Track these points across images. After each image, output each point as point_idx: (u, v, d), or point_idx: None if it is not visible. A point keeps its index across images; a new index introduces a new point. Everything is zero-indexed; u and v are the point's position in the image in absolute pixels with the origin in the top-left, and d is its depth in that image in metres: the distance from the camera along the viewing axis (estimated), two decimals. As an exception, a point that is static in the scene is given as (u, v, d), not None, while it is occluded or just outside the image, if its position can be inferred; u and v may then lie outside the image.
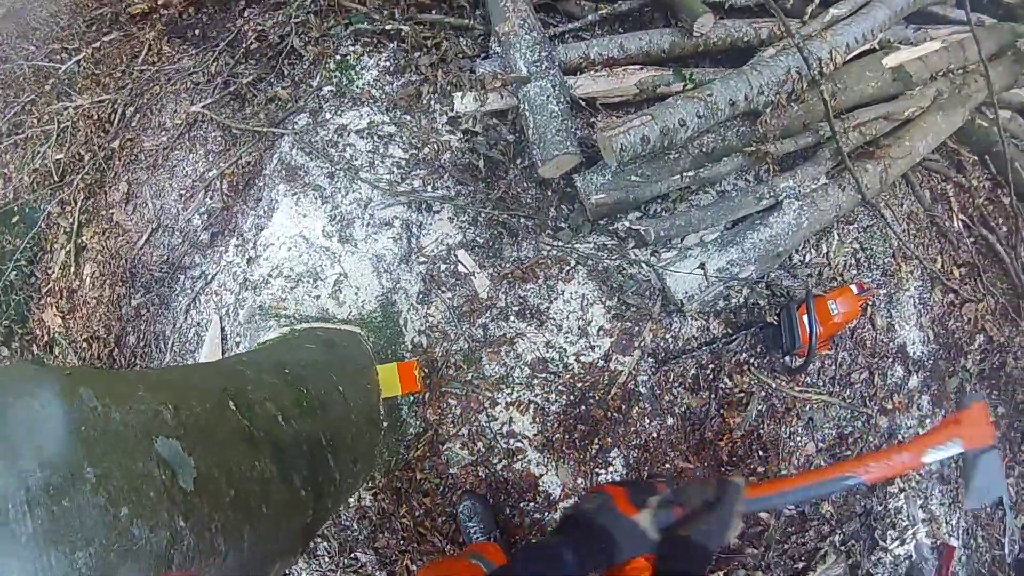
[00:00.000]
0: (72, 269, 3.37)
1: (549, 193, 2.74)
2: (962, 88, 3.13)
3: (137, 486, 1.03)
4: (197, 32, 3.54)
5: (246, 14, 3.44)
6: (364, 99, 2.90)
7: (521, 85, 2.63)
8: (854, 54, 2.90)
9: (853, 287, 2.64)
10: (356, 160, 2.79)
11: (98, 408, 1.06)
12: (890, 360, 2.93)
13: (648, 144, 2.41)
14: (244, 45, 3.28)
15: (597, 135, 2.44)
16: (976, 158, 3.36)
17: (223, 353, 2.79)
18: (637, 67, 2.85)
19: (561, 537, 1.36)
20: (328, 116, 2.90)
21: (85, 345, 3.24)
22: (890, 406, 2.90)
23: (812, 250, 2.86)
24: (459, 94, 2.75)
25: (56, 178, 3.56)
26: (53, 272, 3.45)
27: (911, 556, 2.89)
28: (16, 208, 3.63)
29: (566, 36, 3.00)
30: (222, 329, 2.81)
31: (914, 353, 2.95)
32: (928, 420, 2.95)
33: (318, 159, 2.81)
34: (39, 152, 3.69)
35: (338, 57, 3.00)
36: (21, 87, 3.99)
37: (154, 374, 1.54)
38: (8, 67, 4.11)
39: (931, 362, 3.00)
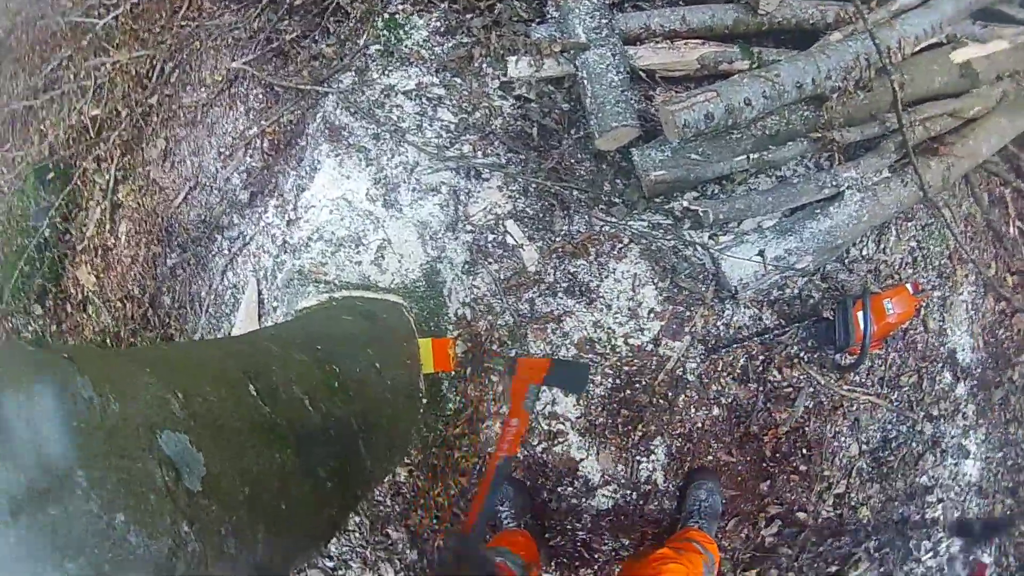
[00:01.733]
0: (107, 227, 3.25)
1: (604, 166, 2.59)
2: (1029, 92, 2.98)
3: (135, 490, 0.91)
4: (240, -13, 3.41)
5: (292, -32, 3.30)
6: (413, 59, 2.75)
7: (579, 52, 2.49)
8: (921, 46, 2.75)
9: (909, 287, 2.51)
10: (403, 122, 2.65)
11: (94, 400, 0.93)
12: (939, 365, 2.79)
13: (712, 122, 2.27)
14: (288, 1, 3.14)
15: (659, 109, 2.30)
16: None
17: (259, 318, 2.67)
18: (699, 41, 2.69)
19: None
20: (375, 76, 2.76)
21: (119, 305, 3.13)
22: (936, 412, 2.78)
23: (870, 245, 2.72)
24: (513, 58, 2.60)
25: (92, 134, 3.45)
26: (88, 230, 3.34)
27: (943, 569, 2.79)
28: (51, 164, 3.52)
29: (625, 5, 2.85)
30: (259, 293, 2.68)
31: (963, 360, 2.82)
32: (972, 431, 2.82)
33: (363, 120, 2.67)
34: (75, 108, 3.57)
35: (386, 15, 2.85)
36: (58, 43, 3.87)
37: (167, 352, 1.41)
38: (44, 23, 4.00)
39: (979, 371, 2.87)
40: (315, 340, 1.79)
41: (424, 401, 2.38)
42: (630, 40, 2.67)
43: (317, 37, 2.99)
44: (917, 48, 2.73)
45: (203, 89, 3.19)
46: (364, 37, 2.84)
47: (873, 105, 2.62)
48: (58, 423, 0.86)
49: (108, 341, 3.11)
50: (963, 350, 2.83)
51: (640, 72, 2.65)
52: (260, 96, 3.02)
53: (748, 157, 2.46)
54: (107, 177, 3.32)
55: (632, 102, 2.42)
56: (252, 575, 1.15)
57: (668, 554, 2.05)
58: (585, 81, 2.46)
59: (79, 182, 3.44)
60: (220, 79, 3.14)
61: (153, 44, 3.45)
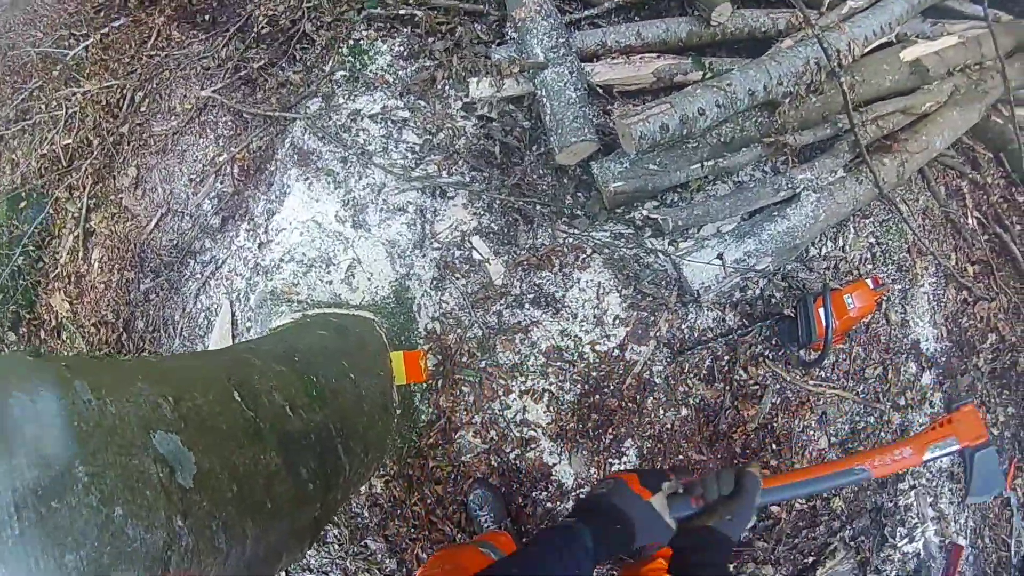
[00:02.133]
0: (80, 254, 3.29)
1: (565, 180, 2.66)
2: (979, 84, 3.06)
3: (132, 484, 0.95)
4: (207, 18, 3.45)
5: (257, -1, 3.36)
6: (378, 84, 2.82)
7: (538, 71, 2.56)
8: (872, 47, 2.83)
9: (869, 282, 2.57)
10: (369, 145, 2.72)
11: (92, 402, 0.98)
12: (904, 356, 2.86)
13: (667, 132, 2.34)
14: (255, 30, 3.19)
15: (616, 122, 2.37)
16: (991, 155, 3.28)
17: (233, 338, 2.72)
18: (654, 55, 2.77)
19: (576, 520, 1.30)
20: (341, 101, 2.82)
21: (93, 330, 3.16)
22: (903, 402, 2.84)
23: (828, 243, 2.79)
24: (474, 80, 2.67)
25: (64, 163, 3.48)
26: (61, 257, 3.37)
27: (919, 554, 2.84)
28: (24, 193, 3.55)
29: (582, 23, 2.92)
30: (232, 314, 2.73)
31: (927, 350, 2.89)
32: (940, 417, 2.89)
33: (331, 143, 2.73)
34: (47, 138, 3.60)
35: (351, 42, 2.92)
36: (28, 73, 3.90)
37: (155, 363, 1.46)
38: (15, 53, 4.02)
39: (944, 359, 2.94)
40: (293, 351, 1.84)
41: (398, 412, 2.43)
42: (587, 57, 2.74)
43: (284, 64, 3.05)
44: (867, 49, 2.82)
45: (173, 117, 3.24)
46: (330, 63, 2.90)
47: (825, 107, 2.70)
48: (60, 422, 0.91)
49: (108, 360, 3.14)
50: (927, 340, 2.90)
51: (598, 88, 2.72)
52: (229, 123, 3.07)
53: (704, 165, 2.54)
54: (79, 205, 3.36)
55: (590, 117, 2.49)
56: (243, 573, 1.19)
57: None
58: (544, 99, 2.53)
59: (52, 210, 3.47)
60: (190, 107, 3.19)
61: (123, 74, 3.49)
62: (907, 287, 2.87)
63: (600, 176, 2.50)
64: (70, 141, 3.51)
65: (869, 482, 2.68)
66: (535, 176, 2.67)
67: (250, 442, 1.32)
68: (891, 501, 2.82)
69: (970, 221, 3.16)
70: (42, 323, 3.38)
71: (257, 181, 2.87)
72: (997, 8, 3.37)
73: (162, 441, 1.07)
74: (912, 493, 2.84)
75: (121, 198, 3.25)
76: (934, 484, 2.88)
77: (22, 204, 3.55)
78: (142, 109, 3.36)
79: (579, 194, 2.65)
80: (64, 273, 3.34)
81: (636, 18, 2.99)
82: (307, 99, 2.88)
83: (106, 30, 3.68)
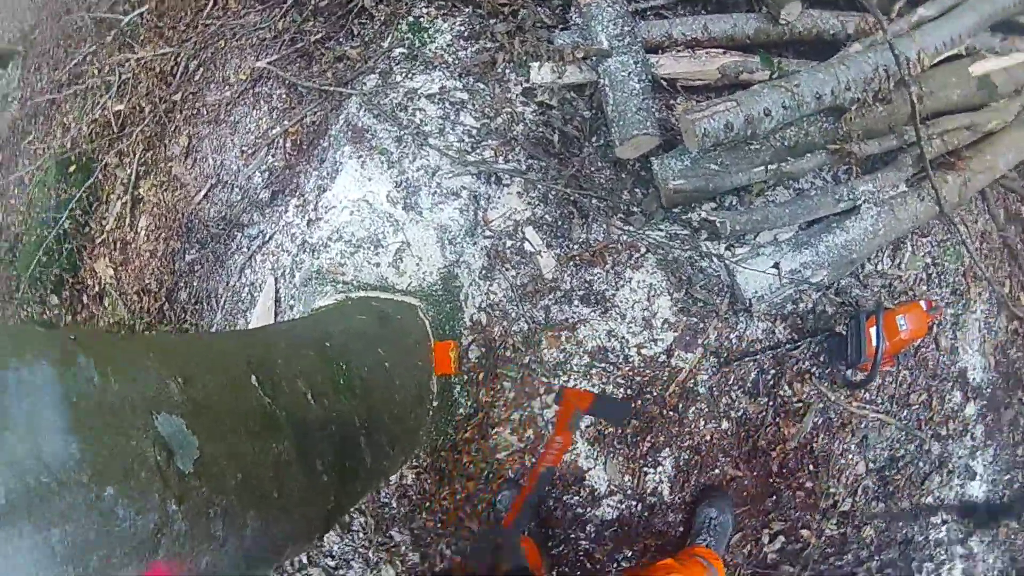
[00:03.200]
0: (127, 221, 3.27)
1: (623, 175, 2.58)
2: (1049, 107, 2.96)
3: (127, 465, 0.94)
4: (265, -12, 3.42)
5: (316, -28, 3.31)
6: (436, 63, 2.76)
7: (602, 59, 2.48)
8: (940, 58, 2.72)
9: (922, 304, 2.47)
10: (425, 125, 2.66)
11: (95, 379, 0.96)
12: (950, 384, 2.75)
13: (731, 131, 2.25)
14: (313, 2, 3.14)
15: (679, 118, 2.29)
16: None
17: (276, 315, 2.67)
18: (720, 51, 2.68)
19: None
20: (398, 79, 2.77)
21: (135, 298, 3.14)
22: (944, 432, 2.74)
23: (885, 260, 2.70)
24: (536, 64, 2.60)
25: (115, 129, 3.47)
26: (108, 223, 3.36)
27: (946, 590, 2.75)
28: (73, 157, 3.54)
29: (648, 13, 2.84)
30: (276, 291, 2.69)
31: (974, 380, 2.78)
32: (979, 452, 2.79)
33: (386, 122, 2.68)
34: (99, 103, 3.59)
35: (411, 19, 2.86)
36: (83, 38, 3.90)
37: (173, 340, 1.43)
38: (69, 18, 4.02)
39: (989, 391, 2.83)
40: (326, 337, 1.80)
41: (434, 403, 2.38)
42: (652, 48, 2.66)
43: (341, 39, 3.00)
44: (936, 60, 2.70)
45: (227, 88, 3.20)
46: (388, 40, 2.85)
47: (891, 118, 2.60)
48: (57, 397, 0.89)
49: (122, 334, 3.12)
50: (974, 369, 2.79)
51: (661, 81, 2.64)
52: (283, 96, 3.03)
53: (766, 168, 2.45)
54: (129, 172, 3.34)
55: (653, 111, 2.42)
56: (240, 562, 1.16)
57: (672, 564, 2.05)
58: (607, 88, 2.45)
59: (100, 176, 3.46)
60: (244, 78, 3.15)
61: (178, 42, 3.46)
62: (959, 312, 2.76)
63: (660, 172, 2.42)
64: (122, 107, 3.49)
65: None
66: (593, 168, 2.60)
67: (263, 430, 1.29)
68: (922, 534, 2.73)
69: (1028, 248, 3.04)
70: (85, 288, 3.37)
71: (309, 156, 2.82)
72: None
73: (165, 423, 1.05)
74: (944, 528, 2.75)
75: (171, 166, 3.22)
76: (966, 520, 2.78)
77: (71, 168, 3.54)
78: (196, 78, 3.33)
79: (636, 190, 2.57)
80: (110, 239, 3.33)
81: (703, 11, 2.90)
82: (364, 75, 2.83)
83: (160, -4, 3.66)
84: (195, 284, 2.98)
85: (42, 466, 0.83)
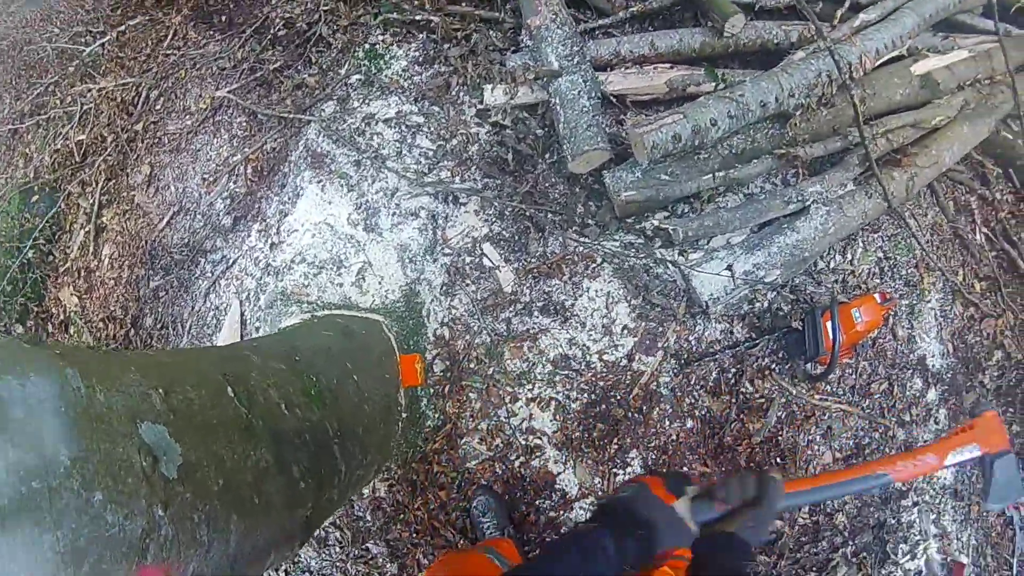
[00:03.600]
0: (91, 249, 3.30)
1: (577, 189, 2.67)
2: (989, 99, 3.06)
3: (115, 472, 0.97)
4: (223, 18, 3.48)
5: (273, 1, 3.37)
6: (392, 89, 2.83)
7: (552, 79, 2.56)
8: (883, 60, 2.83)
9: (876, 296, 2.56)
10: (383, 149, 2.73)
11: (82, 389, 1.00)
12: (909, 372, 2.85)
13: (679, 142, 2.35)
14: (271, 32, 3.22)
15: (628, 132, 2.37)
16: (1000, 171, 3.27)
17: (242, 337, 2.72)
18: (667, 65, 2.78)
19: (598, 525, 1.30)
20: (356, 104, 2.84)
21: (101, 325, 3.17)
22: (908, 418, 2.83)
23: (837, 256, 2.79)
24: (489, 87, 2.68)
25: (77, 159, 3.51)
26: (71, 252, 3.39)
27: (921, 571, 2.82)
28: (36, 187, 3.56)
29: (596, 32, 2.94)
30: (242, 313, 2.74)
31: (933, 366, 2.88)
32: (944, 434, 2.88)
33: (345, 147, 2.74)
34: (61, 133, 3.63)
35: (367, 46, 2.94)
36: (44, 69, 3.93)
37: (151, 355, 1.48)
38: (32, 48, 4.06)
39: (949, 376, 2.93)
40: (295, 351, 1.86)
41: (403, 415, 2.44)
42: (601, 66, 2.75)
43: (300, 67, 3.07)
44: (878, 62, 2.81)
45: (188, 117, 3.26)
46: (346, 67, 2.92)
47: (836, 120, 2.71)
48: (49, 407, 0.93)
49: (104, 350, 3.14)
50: (933, 356, 2.89)
51: (611, 97, 2.73)
52: (244, 124, 3.08)
53: (715, 176, 2.54)
54: (91, 200, 3.38)
55: (603, 126, 2.50)
56: (226, 568, 1.20)
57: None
58: (558, 107, 2.53)
59: (63, 205, 3.50)
60: (205, 107, 3.21)
61: (139, 72, 3.52)
62: (914, 302, 2.86)
63: (612, 185, 2.51)
64: (84, 137, 3.53)
65: (890, 487, 2.69)
66: (547, 184, 2.68)
67: (241, 437, 1.33)
68: (894, 517, 2.81)
69: (978, 237, 3.15)
70: (50, 316, 3.39)
71: (270, 182, 2.88)
72: (1008, 23, 3.38)
73: (148, 431, 1.09)
74: (915, 510, 2.83)
75: (133, 195, 3.27)
76: (937, 501, 2.87)
77: (34, 198, 3.57)
78: (157, 107, 3.38)
79: (590, 203, 2.65)
80: (74, 268, 3.36)
81: (650, 28, 3.00)
82: (322, 102, 2.90)
83: (123, 28, 3.72)
84: (160, 310, 3.02)
85: (36, 472, 0.86)
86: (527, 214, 2.62)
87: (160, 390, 1.17)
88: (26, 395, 0.92)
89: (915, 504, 2.82)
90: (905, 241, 2.87)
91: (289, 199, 2.77)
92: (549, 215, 2.62)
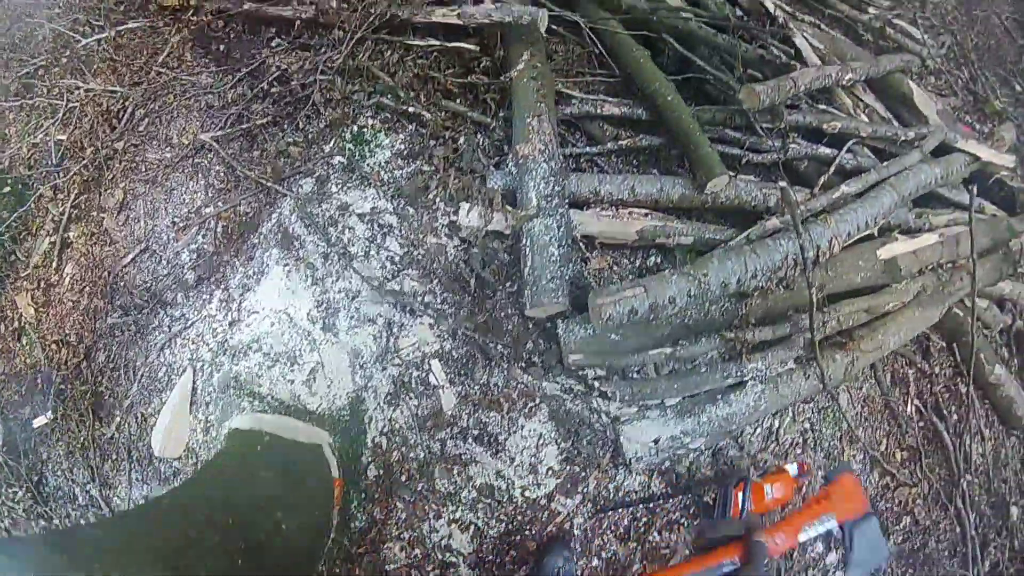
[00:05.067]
0: (53, 263, 3.38)
1: (531, 325, 2.81)
2: (946, 285, 3.21)
3: None
4: (222, 48, 3.51)
5: (273, 44, 3.42)
6: (372, 180, 2.93)
7: (528, 219, 2.68)
8: (852, 240, 2.96)
9: (793, 467, 2.71)
10: (352, 246, 2.84)
11: None
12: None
13: (635, 316, 2.48)
14: (265, 80, 3.26)
15: (589, 299, 2.50)
16: (944, 344, 3.46)
17: (191, 405, 2.84)
18: (643, 212, 2.90)
19: None
20: (334, 189, 2.94)
21: (54, 347, 3.27)
22: (805, 578, 3.05)
23: (765, 423, 2.97)
24: (466, 206, 2.79)
25: (54, 160, 3.54)
26: (34, 258, 3.46)
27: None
28: (10, 180, 3.60)
29: (581, 160, 3.04)
30: (195, 383, 2.86)
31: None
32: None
33: (316, 234, 2.85)
34: (43, 126, 3.65)
35: (355, 128, 3.02)
36: (37, 48, 3.92)
37: (94, 534, 1.62)
38: (31, 22, 4.02)
39: (852, 540, 3.15)
40: (231, 508, 2.03)
41: (331, 536, 2.62)
42: (578, 203, 2.86)
43: (286, 127, 3.13)
44: (847, 243, 2.94)
45: (168, 148, 3.32)
46: (331, 144, 3.01)
47: (792, 300, 2.85)
48: None
49: (39, 381, 3.25)
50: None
51: (581, 238, 2.85)
52: (222, 175, 3.16)
53: (663, 352, 2.69)
54: (61, 210, 3.43)
55: (567, 277, 2.62)
56: None
57: None
58: (527, 249, 2.64)
59: (33, 205, 3.54)
60: (187, 143, 3.27)
61: (129, 83, 3.55)
62: (830, 473, 3.06)
63: (563, 338, 2.66)
64: (64, 138, 3.57)
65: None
66: (503, 314, 2.81)
67: None
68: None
69: (909, 408, 3.35)
70: (4, 318, 3.46)
71: (238, 249, 2.98)
72: (982, 196, 3.52)
73: None
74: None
75: (103, 218, 3.34)
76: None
77: (6, 189, 3.60)
78: (140, 129, 3.43)
79: (540, 341, 2.80)
80: (34, 276, 3.43)
81: (635, 162, 3.11)
82: (301, 176, 2.99)
83: (123, 28, 3.71)
84: (114, 349, 3.13)
85: None
86: (479, 341, 2.76)
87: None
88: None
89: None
90: (833, 415, 3.07)
91: (254, 274, 2.88)
92: (499, 347, 2.77)
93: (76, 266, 3.34)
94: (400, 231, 2.87)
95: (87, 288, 3.27)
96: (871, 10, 4.01)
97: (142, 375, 3.05)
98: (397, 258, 2.84)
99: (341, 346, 2.76)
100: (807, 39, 3.53)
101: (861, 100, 3.55)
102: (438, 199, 2.90)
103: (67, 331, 3.26)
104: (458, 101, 3.09)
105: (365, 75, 3.09)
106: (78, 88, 3.63)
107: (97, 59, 3.70)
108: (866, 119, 3.47)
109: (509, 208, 2.73)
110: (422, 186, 2.90)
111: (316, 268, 2.81)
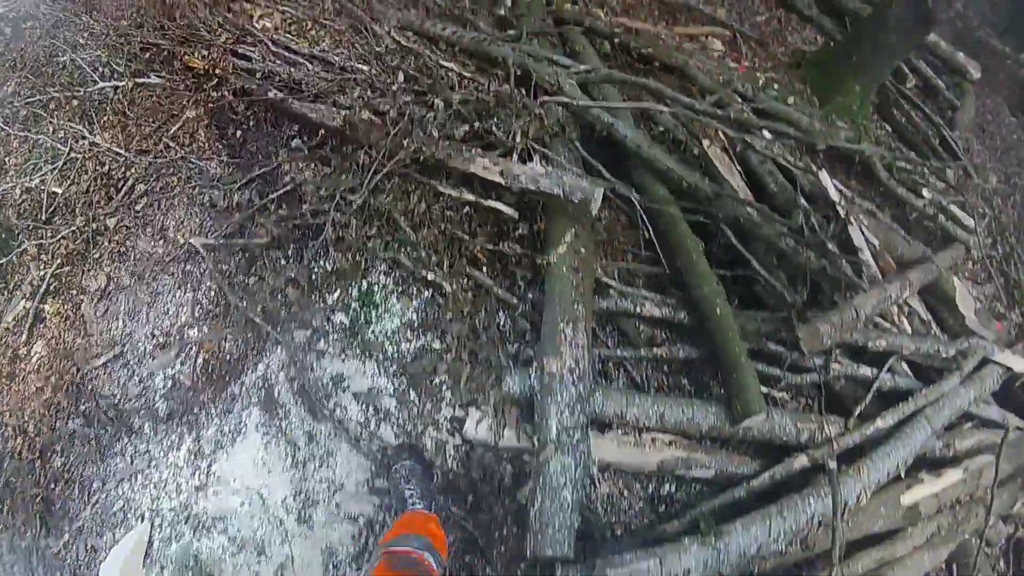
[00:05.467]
0: (23, 336, 2.69)
1: (528, 554, 2.19)
2: (960, 524, 2.70)
3: None
4: (238, 135, 2.79)
5: (292, 144, 2.68)
6: (375, 351, 2.27)
7: (542, 450, 2.04)
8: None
9: None
10: (342, 429, 2.18)
11: None
12: None
13: (646, 586, 1.92)
14: (276, 189, 2.55)
15: (597, 571, 1.91)
16: (944, 564, 2.93)
17: (146, 558, 2.22)
18: (667, 439, 2.28)
19: None
20: (330, 351, 2.28)
21: (10, 432, 2.61)
22: None
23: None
24: (476, 415, 2.15)
25: (44, 215, 2.81)
26: (6, 319, 2.76)
27: None
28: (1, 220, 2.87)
29: (609, 362, 2.38)
30: (151, 540, 2.23)
31: None
32: None
33: (304, 407, 2.21)
34: (41, 169, 2.89)
35: (365, 284, 2.34)
36: (56, 78, 3.10)
37: None
38: (54, 46, 3.19)
39: None
40: None
41: None
42: (600, 424, 2.22)
43: (290, 256, 2.45)
44: (873, 492, 2.39)
45: (161, 242, 2.63)
46: (335, 297, 2.33)
47: (804, 555, 2.30)
48: None
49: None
50: None
51: (597, 470, 2.22)
52: (212, 296, 2.49)
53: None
54: (42, 274, 2.73)
55: (576, 525, 2.01)
56: None
57: None
58: (538, 490, 2.01)
59: (16, 259, 2.82)
60: (182, 243, 2.57)
61: (136, 148, 2.81)
62: None
63: (559, 588, 2.06)
64: (59, 191, 2.85)
65: None
66: (496, 535, 2.20)
67: None
68: None
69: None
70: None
71: (216, 394, 2.33)
72: (1007, 404, 3.02)
73: None
74: None
75: (81, 300, 2.66)
76: None
77: (-5, 233, 2.88)
78: (136, 208, 2.73)
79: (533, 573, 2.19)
80: (3, 340, 2.74)
81: (665, 368, 2.45)
82: (296, 325, 2.31)
83: (141, 81, 2.93)
84: (72, 459, 2.49)
85: None
86: (466, 561, 2.15)
87: None
88: None
89: None
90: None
91: (229, 433, 2.25)
92: (488, 570, 2.16)
93: (46, 347, 2.65)
94: (398, 419, 2.22)
95: (53, 378, 2.59)
96: (925, 193, 3.30)
97: (97, 500, 2.41)
98: (390, 451, 2.20)
99: (315, 541, 2.15)
100: (863, 232, 2.85)
101: (906, 303, 2.90)
102: (444, 387, 2.23)
103: (26, 418, 2.60)
104: (484, 270, 2.39)
105: (385, 220, 2.37)
106: (84, 138, 2.88)
107: (109, 110, 2.93)
108: (908, 327, 2.85)
109: (525, 430, 2.08)
110: (429, 369, 2.23)
111: (299, 448, 2.18)
